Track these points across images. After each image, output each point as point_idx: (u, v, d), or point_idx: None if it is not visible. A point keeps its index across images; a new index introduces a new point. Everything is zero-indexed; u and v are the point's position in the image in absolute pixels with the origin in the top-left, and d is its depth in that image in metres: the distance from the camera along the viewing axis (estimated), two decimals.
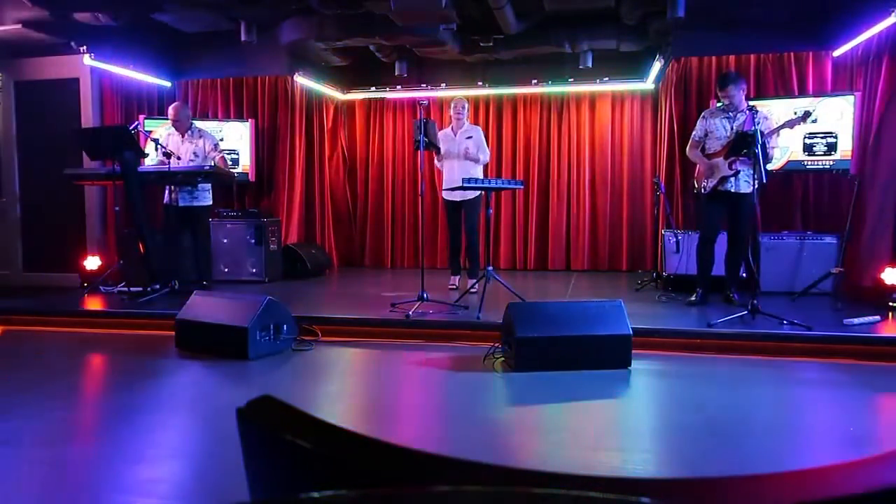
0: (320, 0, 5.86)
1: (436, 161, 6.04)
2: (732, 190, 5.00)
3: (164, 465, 2.48)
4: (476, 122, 8.14)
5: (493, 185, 5.27)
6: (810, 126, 5.46)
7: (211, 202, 6.13)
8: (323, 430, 0.78)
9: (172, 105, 6.08)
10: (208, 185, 6.01)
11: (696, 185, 5.29)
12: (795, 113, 5.55)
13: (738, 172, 4.93)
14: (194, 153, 5.91)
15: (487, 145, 6.06)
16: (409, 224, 8.44)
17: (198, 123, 6.48)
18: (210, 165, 5.71)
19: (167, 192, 5.93)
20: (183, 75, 7.47)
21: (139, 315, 5.05)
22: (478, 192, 5.70)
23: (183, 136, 5.96)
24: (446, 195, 5.88)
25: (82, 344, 4.61)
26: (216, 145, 6.08)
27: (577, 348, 3.71)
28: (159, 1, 5.89)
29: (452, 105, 5.93)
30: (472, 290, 5.26)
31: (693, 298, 5.21)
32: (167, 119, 6.13)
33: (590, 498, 0.60)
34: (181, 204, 5.84)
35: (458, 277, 6.10)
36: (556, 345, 3.70)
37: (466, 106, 5.95)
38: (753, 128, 4.54)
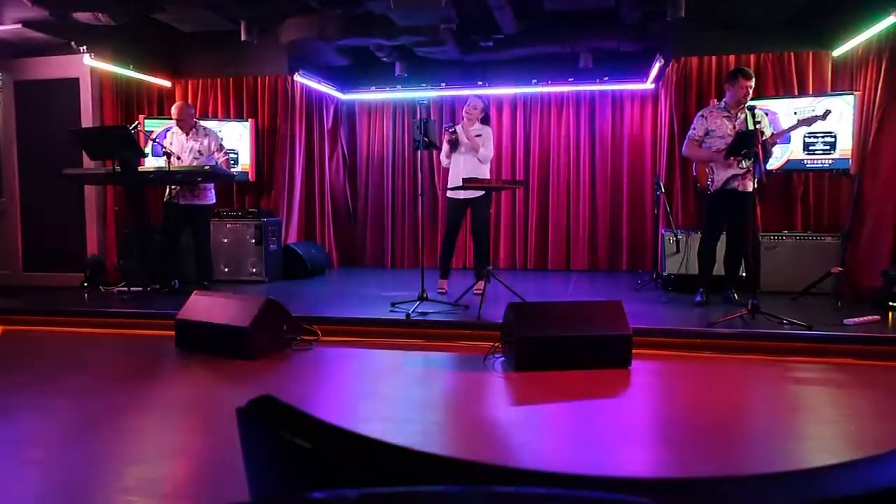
0: (320, 0, 5.86)
1: (443, 158, 5.80)
2: (739, 189, 5.01)
3: (164, 465, 2.48)
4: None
5: (493, 184, 5.26)
6: (811, 126, 5.45)
7: (214, 201, 6.12)
8: (323, 430, 0.78)
9: (175, 104, 6.09)
10: (211, 184, 6.01)
11: (699, 184, 5.28)
12: (796, 113, 5.56)
13: (748, 171, 4.91)
14: (199, 151, 5.91)
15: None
16: (409, 224, 8.44)
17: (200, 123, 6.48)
18: (210, 166, 5.71)
19: (168, 189, 5.92)
20: (183, 75, 7.47)
21: (139, 315, 5.05)
22: (484, 191, 5.57)
23: (187, 135, 5.97)
24: (450, 193, 5.75)
25: (82, 344, 4.61)
26: (221, 146, 6.08)
27: (577, 348, 3.71)
28: (159, 1, 5.88)
29: (467, 103, 5.73)
30: (477, 290, 5.24)
31: (699, 299, 5.20)
32: (168, 119, 6.14)
33: (590, 498, 0.60)
34: (182, 202, 5.84)
35: (447, 281, 5.93)
36: (556, 345, 3.70)
37: (479, 107, 5.70)
38: (754, 126, 4.55)
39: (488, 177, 5.69)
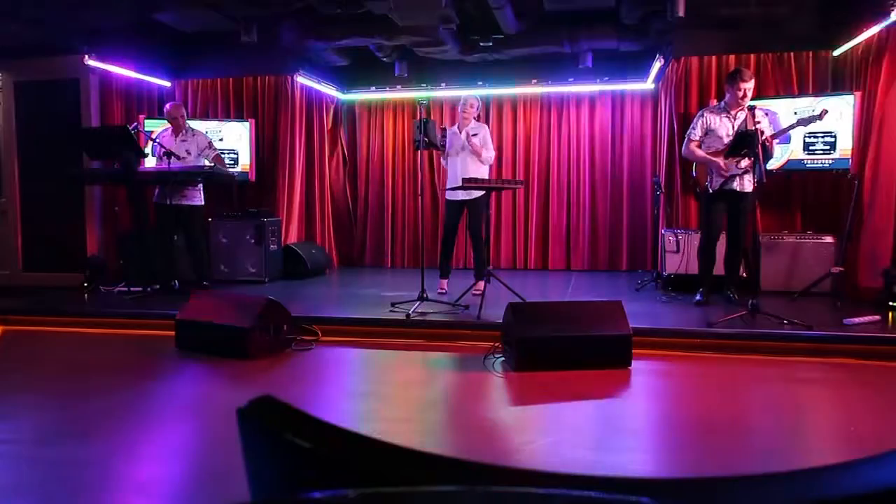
0: (320, 0, 5.86)
1: (442, 159, 5.87)
2: (738, 189, 5.01)
3: (164, 465, 2.48)
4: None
5: (493, 184, 5.26)
6: (811, 126, 5.46)
7: (202, 202, 6.08)
8: (323, 430, 0.78)
9: (170, 103, 6.08)
10: (199, 186, 5.98)
11: (699, 185, 5.28)
12: (796, 113, 5.56)
13: (747, 171, 4.90)
14: (187, 151, 5.90)
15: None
16: (409, 224, 8.44)
17: (198, 124, 6.47)
18: (209, 166, 5.71)
19: (157, 190, 5.91)
20: (183, 75, 7.47)
21: (139, 315, 5.05)
22: (482, 192, 5.57)
23: (177, 136, 5.96)
24: (448, 195, 5.77)
25: (82, 344, 4.61)
26: (210, 143, 6.07)
27: (577, 348, 3.71)
28: (159, 1, 5.89)
29: (462, 102, 5.74)
30: (477, 291, 5.23)
31: (700, 299, 5.21)
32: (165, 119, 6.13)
33: (590, 498, 0.60)
34: (171, 203, 5.82)
35: (446, 281, 5.93)
36: (556, 345, 3.69)
37: (476, 105, 5.75)
38: (754, 127, 4.54)
39: (486, 177, 5.69)
